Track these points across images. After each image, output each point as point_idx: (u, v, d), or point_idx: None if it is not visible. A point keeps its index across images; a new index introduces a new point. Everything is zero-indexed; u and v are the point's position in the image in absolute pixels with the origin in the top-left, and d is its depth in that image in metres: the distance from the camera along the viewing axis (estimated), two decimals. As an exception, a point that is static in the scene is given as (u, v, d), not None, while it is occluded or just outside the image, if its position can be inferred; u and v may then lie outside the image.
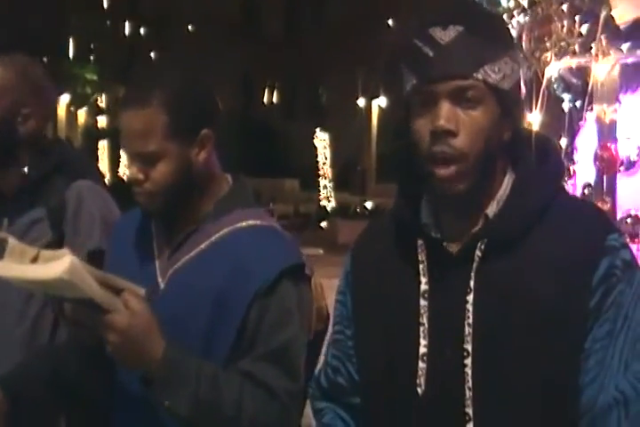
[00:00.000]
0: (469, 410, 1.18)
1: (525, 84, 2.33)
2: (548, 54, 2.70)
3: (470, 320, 1.19)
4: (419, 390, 1.21)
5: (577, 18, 2.61)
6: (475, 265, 1.20)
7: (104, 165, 20.28)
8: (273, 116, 26.61)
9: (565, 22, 2.64)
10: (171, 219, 1.54)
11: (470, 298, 1.19)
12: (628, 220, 2.44)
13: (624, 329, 1.17)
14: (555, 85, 2.73)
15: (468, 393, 1.18)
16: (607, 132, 2.54)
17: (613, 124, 2.55)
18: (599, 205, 2.35)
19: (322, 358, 1.46)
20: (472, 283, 1.19)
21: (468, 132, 1.17)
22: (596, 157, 2.53)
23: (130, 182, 1.48)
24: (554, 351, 1.17)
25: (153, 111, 1.43)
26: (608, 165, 2.48)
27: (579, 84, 2.71)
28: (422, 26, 1.20)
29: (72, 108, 21.79)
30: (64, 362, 1.68)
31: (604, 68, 2.53)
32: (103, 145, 22.02)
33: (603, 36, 2.50)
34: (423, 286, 1.23)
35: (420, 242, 1.24)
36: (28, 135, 1.86)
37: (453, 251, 1.23)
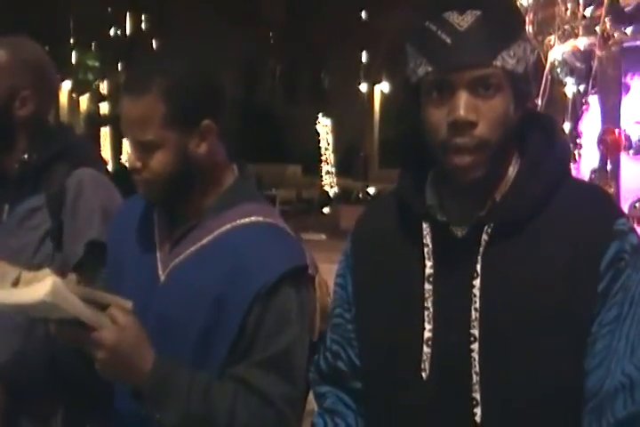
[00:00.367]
0: (477, 395, 1.17)
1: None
2: (552, 38, 2.68)
3: (477, 305, 1.18)
4: (423, 374, 1.20)
5: (581, 1, 2.59)
6: (481, 249, 1.19)
7: (106, 151, 20.26)
8: (275, 101, 26.52)
9: (569, 5, 2.62)
10: (172, 209, 1.52)
11: (477, 282, 1.18)
12: (637, 204, 2.43)
13: (631, 313, 1.16)
14: (558, 69, 2.71)
15: (475, 378, 1.17)
16: (611, 116, 2.53)
17: (617, 107, 2.53)
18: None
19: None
20: (479, 267, 1.18)
21: (488, 121, 1.15)
22: (600, 141, 2.52)
23: (130, 170, 1.47)
24: (562, 335, 1.16)
25: (152, 99, 1.41)
26: (612, 149, 2.47)
27: (582, 67, 2.69)
28: (437, 9, 1.16)
29: (74, 95, 21.73)
30: (63, 351, 1.68)
31: (608, 51, 2.51)
32: (105, 132, 21.98)
33: (607, 19, 2.48)
34: (428, 270, 1.22)
35: (425, 225, 1.23)
36: (27, 119, 1.83)
37: (459, 234, 1.22)
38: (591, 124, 2.62)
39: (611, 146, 2.47)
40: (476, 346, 1.17)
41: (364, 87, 21.33)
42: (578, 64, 2.70)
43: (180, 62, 1.48)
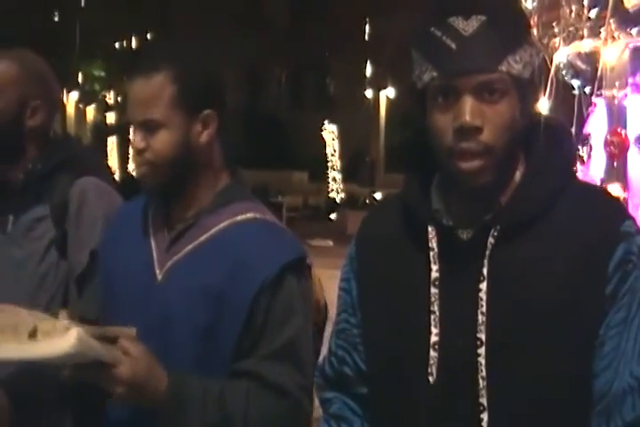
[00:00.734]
0: (483, 400, 1.16)
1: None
2: (557, 40, 2.68)
3: (484, 309, 1.17)
4: (430, 379, 1.19)
5: (585, 2, 2.59)
6: (487, 252, 1.18)
7: (113, 161, 20.33)
8: (280, 107, 26.57)
9: (574, 7, 2.62)
10: (167, 207, 1.54)
11: (483, 286, 1.17)
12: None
13: (638, 315, 1.16)
14: (563, 71, 2.71)
15: (482, 383, 1.16)
16: (617, 118, 2.52)
17: (623, 109, 2.52)
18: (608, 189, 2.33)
19: (324, 348, 1.44)
20: (485, 270, 1.18)
21: (494, 127, 1.14)
22: (606, 143, 2.51)
23: (134, 152, 1.49)
24: (569, 339, 1.16)
25: (162, 80, 1.45)
26: (618, 150, 2.46)
27: (588, 69, 2.68)
28: (442, 14, 1.15)
29: (81, 105, 21.83)
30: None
31: (614, 52, 2.50)
32: (112, 141, 22.06)
33: (612, 21, 2.48)
34: (434, 274, 1.21)
35: (430, 229, 1.22)
36: (36, 128, 1.85)
37: (464, 238, 1.21)
38: (598, 125, 2.61)
39: (617, 147, 2.46)
40: (482, 350, 1.16)
41: (369, 93, 21.36)
42: (583, 66, 2.69)
43: (190, 52, 1.55)
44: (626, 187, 2.45)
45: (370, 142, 23.20)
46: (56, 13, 19.03)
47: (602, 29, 2.51)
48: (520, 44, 1.16)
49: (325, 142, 21.36)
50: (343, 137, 21.35)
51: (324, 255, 1.86)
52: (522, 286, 1.17)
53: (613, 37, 2.49)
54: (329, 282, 1.60)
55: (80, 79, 20.26)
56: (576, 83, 2.72)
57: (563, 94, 2.71)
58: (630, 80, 2.53)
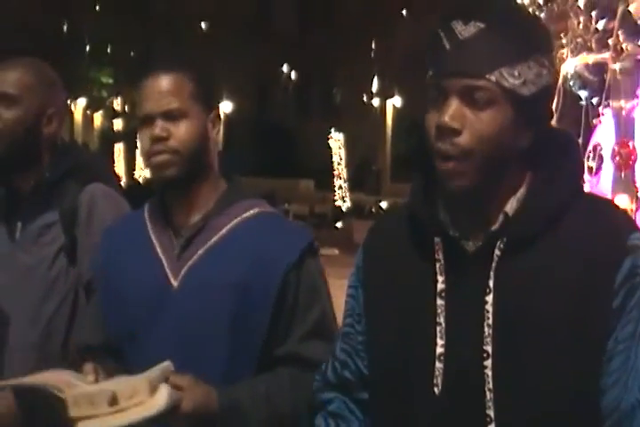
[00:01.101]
0: (490, 412, 1.16)
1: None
2: (565, 51, 2.68)
3: (490, 321, 1.16)
4: (435, 390, 1.19)
5: (593, 14, 2.59)
6: (494, 264, 1.17)
7: (120, 167, 20.38)
8: (287, 116, 26.62)
9: (582, 18, 2.62)
10: (168, 209, 1.57)
11: (490, 298, 1.17)
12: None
13: None
14: (571, 82, 2.71)
15: (489, 395, 1.16)
16: (625, 129, 2.52)
17: (631, 120, 2.52)
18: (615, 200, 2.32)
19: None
20: (491, 283, 1.17)
21: (473, 132, 1.14)
22: (614, 154, 2.51)
23: (153, 142, 1.51)
24: (575, 352, 1.15)
25: (182, 76, 1.54)
26: (626, 162, 2.46)
27: (595, 80, 2.68)
28: (448, 18, 1.17)
29: (88, 112, 21.91)
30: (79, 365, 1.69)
31: (621, 63, 2.50)
32: (119, 148, 22.13)
33: (619, 32, 2.48)
34: (440, 285, 1.20)
35: (437, 240, 1.22)
36: (51, 136, 1.87)
37: (470, 249, 1.21)
38: (606, 136, 2.61)
39: (625, 158, 2.45)
40: (489, 362, 1.16)
41: (376, 102, 21.40)
42: (591, 77, 2.69)
43: (200, 60, 1.71)
44: (634, 198, 2.44)
45: (376, 151, 23.19)
46: (65, 20, 19.13)
47: (609, 41, 2.51)
48: (522, 60, 1.15)
49: (332, 151, 21.37)
50: (350, 146, 21.36)
51: (330, 264, 1.87)
52: (528, 298, 1.16)
53: (621, 49, 2.49)
54: (335, 292, 1.61)
55: (88, 86, 20.34)
56: (583, 93, 2.72)
57: (570, 105, 2.71)
58: (638, 91, 2.53)
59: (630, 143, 2.48)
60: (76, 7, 19.19)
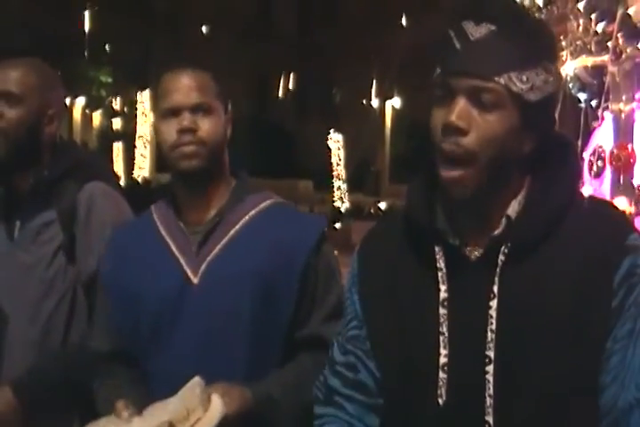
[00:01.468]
0: (490, 418, 1.15)
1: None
2: (564, 53, 2.68)
3: (493, 326, 1.16)
4: (440, 401, 1.18)
5: (593, 16, 2.59)
6: (498, 270, 1.17)
7: (119, 166, 20.36)
8: (287, 117, 26.60)
9: (581, 21, 2.62)
10: (198, 190, 1.60)
11: (494, 304, 1.16)
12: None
13: None
14: (570, 85, 2.71)
15: (489, 401, 1.15)
16: (624, 132, 2.52)
17: (630, 123, 2.52)
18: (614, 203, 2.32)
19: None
20: (495, 288, 1.17)
21: (479, 134, 1.14)
22: (613, 156, 2.51)
23: (182, 133, 1.55)
24: (578, 355, 1.15)
25: (206, 74, 1.60)
26: (625, 164, 2.46)
27: (594, 83, 2.68)
28: (458, 18, 1.17)
29: (87, 111, 21.89)
30: (77, 363, 1.70)
31: (621, 66, 2.50)
32: (118, 147, 22.10)
33: (619, 35, 2.48)
34: (442, 294, 1.20)
35: (437, 249, 1.21)
36: (51, 136, 1.88)
37: (472, 256, 1.20)
38: (607, 139, 2.61)
39: (624, 161, 2.45)
40: (490, 368, 1.16)
41: (375, 103, 21.39)
42: (590, 79, 2.69)
43: (217, 62, 1.69)
44: (632, 201, 2.44)
45: (375, 152, 23.17)
46: (64, 19, 19.12)
47: (609, 43, 2.51)
48: (531, 67, 1.15)
49: (331, 152, 21.35)
50: (349, 146, 21.34)
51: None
52: (531, 302, 1.16)
53: (621, 51, 2.49)
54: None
55: (87, 85, 20.32)
56: (582, 96, 2.72)
57: (569, 107, 2.71)
58: (637, 94, 2.53)
59: (629, 146, 2.48)
60: (76, 6, 19.17)
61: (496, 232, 1.19)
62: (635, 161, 2.46)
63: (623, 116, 2.51)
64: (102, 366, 1.64)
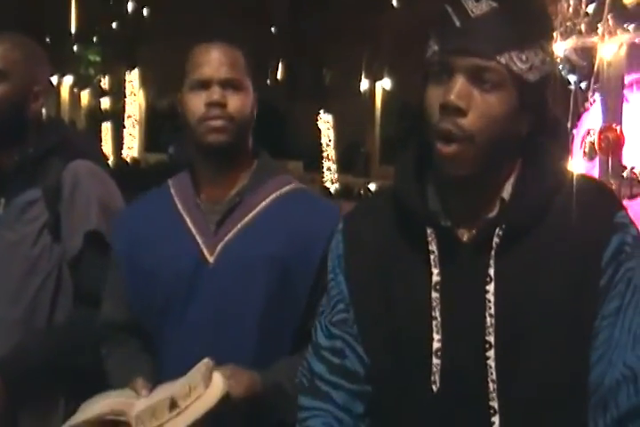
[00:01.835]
0: (494, 403, 1.14)
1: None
2: (554, 34, 2.67)
3: (492, 311, 1.14)
4: (434, 387, 1.16)
5: (583, -3, 2.58)
6: (493, 252, 1.15)
7: (107, 146, 20.23)
8: (276, 97, 26.46)
9: (572, 2, 2.61)
10: (220, 167, 1.58)
11: (491, 287, 1.14)
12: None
13: (632, 304, 1.15)
14: (560, 66, 2.70)
15: (492, 386, 1.14)
16: (613, 114, 2.52)
17: (619, 105, 2.52)
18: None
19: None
20: (491, 271, 1.15)
21: (478, 114, 1.12)
22: (601, 138, 2.51)
23: (210, 106, 1.54)
24: (572, 335, 1.15)
25: (238, 50, 1.60)
26: (614, 146, 2.46)
27: (584, 64, 2.68)
28: None
29: (75, 90, 21.68)
30: (63, 344, 1.70)
31: (611, 48, 2.50)
32: (106, 127, 21.94)
33: (609, 16, 2.47)
34: (435, 278, 1.17)
35: (429, 231, 1.19)
36: (37, 113, 1.86)
37: (465, 238, 1.18)
38: (597, 121, 2.61)
39: (613, 143, 2.46)
40: (492, 353, 1.14)
41: (365, 84, 21.30)
42: (580, 61, 2.69)
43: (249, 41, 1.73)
44: (620, 183, 2.45)
45: (365, 133, 23.15)
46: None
47: (599, 25, 2.50)
48: (531, 46, 1.13)
49: (321, 132, 21.29)
50: (338, 127, 21.29)
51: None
52: (527, 285, 1.15)
53: (611, 33, 2.48)
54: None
55: (74, 64, 20.11)
56: (572, 78, 2.71)
57: (559, 89, 2.70)
58: (627, 76, 2.53)
59: (618, 128, 2.48)
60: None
61: (490, 215, 1.18)
62: (623, 143, 2.47)
63: (612, 98, 2.51)
64: (112, 335, 1.64)
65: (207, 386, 1.30)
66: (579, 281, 1.15)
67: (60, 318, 1.82)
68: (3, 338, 1.79)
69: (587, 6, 2.56)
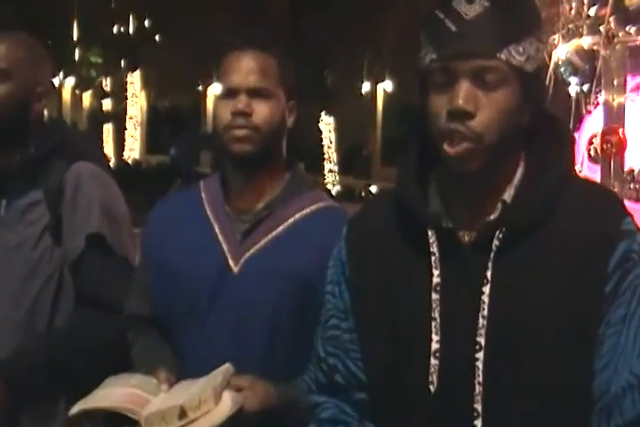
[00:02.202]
0: (478, 406, 1.14)
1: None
2: (556, 37, 2.67)
3: (485, 312, 1.14)
4: (431, 387, 1.16)
5: (585, 0, 2.58)
6: (492, 255, 1.15)
7: (109, 148, 20.24)
8: (278, 99, 26.42)
9: (574, 4, 2.61)
10: (249, 176, 1.56)
11: (486, 289, 1.15)
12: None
13: (638, 312, 1.14)
14: (562, 68, 2.70)
15: (478, 388, 1.14)
16: (615, 116, 2.51)
17: (621, 107, 2.52)
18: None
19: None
20: (489, 273, 1.15)
21: (487, 114, 1.12)
22: (603, 141, 2.50)
23: (236, 115, 1.52)
24: (571, 341, 1.14)
25: (271, 58, 1.57)
26: (616, 149, 2.46)
27: (586, 67, 2.67)
28: None
29: (77, 92, 21.70)
30: (63, 347, 1.69)
31: (613, 50, 2.49)
32: (108, 128, 21.96)
33: (611, 19, 2.47)
34: (435, 279, 1.18)
35: (430, 232, 1.19)
36: (38, 114, 1.85)
37: (466, 240, 1.19)
38: (600, 124, 2.60)
39: (615, 146, 2.45)
40: (480, 355, 1.14)
41: (366, 86, 21.29)
42: (581, 63, 2.68)
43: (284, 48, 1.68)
44: (623, 188, 2.45)
45: (367, 135, 23.13)
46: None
47: (601, 27, 2.50)
48: (525, 37, 1.14)
49: (322, 134, 21.28)
50: (340, 129, 21.28)
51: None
52: (525, 288, 1.15)
53: (613, 35, 2.48)
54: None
55: (76, 65, 20.12)
56: (574, 80, 2.71)
57: (560, 91, 2.70)
58: (629, 79, 2.52)
59: (620, 131, 2.47)
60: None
61: (492, 217, 1.18)
62: (626, 146, 2.46)
63: (614, 100, 2.51)
64: (138, 324, 1.65)
65: (217, 401, 1.30)
66: (581, 286, 1.14)
67: (61, 321, 1.82)
68: (3, 340, 1.78)
69: (588, 8, 2.56)
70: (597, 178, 2.43)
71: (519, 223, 1.16)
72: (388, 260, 1.24)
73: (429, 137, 1.17)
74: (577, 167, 1.45)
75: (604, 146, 2.49)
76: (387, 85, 21.43)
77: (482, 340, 1.14)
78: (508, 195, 1.18)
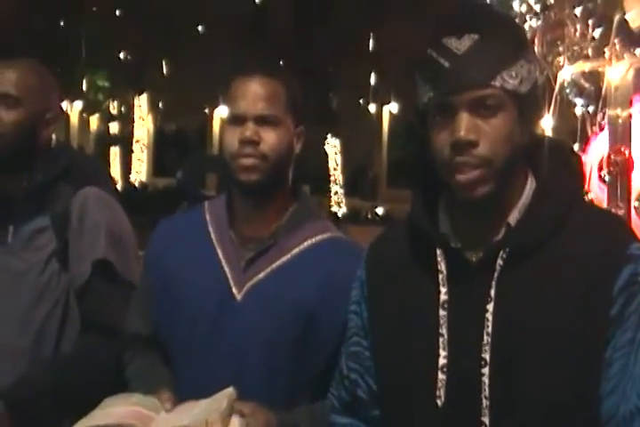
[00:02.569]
0: (486, 419, 1.16)
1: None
2: (561, 59, 2.68)
3: (489, 329, 1.17)
4: (438, 402, 1.19)
5: (590, 22, 2.59)
6: (496, 274, 1.18)
7: (116, 170, 20.35)
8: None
9: (578, 26, 2.62)
10: (255, 204, 1.55)
11: (490, 307, 1.18)
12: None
13: None
14: (567, 90, 2.71)
15: (485, 402, 1.16)
16: (621, 137, 2.51)
17: (627, 128, 2.52)
18: (613, 210, 2.32)
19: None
20: (493, 292, 1.18)
21: (490, 141, 1.16)
22: (609, 162, 2.50)
23: (243, 144, 1.50)
24: (574, 361, 1.15)
25: (280, 85, 1.54)
26: (622, 170, 2.45)
27: (591, 88, 2.68)
28: (437, 36, 1.18)
29: (84, 115, 21.87)
30: (68, 373, 1.68)
31: (618, 72, 2.50)
32: (115, 151, 22.10)
33: (616, 40, 2.48)
34: (443, 297, 1.21)
35: (439, 252, 1.23)
36: (47, 140, 1.86)
37: (473, 260, 1.22)
38: (606, 145, 2.60)
39: (621, 167, 2.45)
40: (486, 370, 1.17)
41: (372, 108, 21.40)
42: (587, 85, 2.69)
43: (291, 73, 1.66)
44: (629, 208, 2.44)
45: (372, 157, 23.19)
46: (60, 21, 19.12)
47: (606, 49, 2.51)
48: (515, 60, 1.17)
49: (328, 156, 21.36)
50: (346, 151, 21.35)
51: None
52: (528, 307, 1.17)
53: (618, 57, 2.49)
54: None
55: (84, 89, 20.31)
56: (580, 102, 2.72)
57: (566, 113, 2.71)
58: (634, 100, 2.52)
59: (626, 151, 2.47)
60: (72, 8, 19.16)
61: (496, 238, 1.21)
62: (632, 166, 2.46)
63: (620, 121, 2.51)
64: (137, 344, 1.63)
65: (224, 425, 1.30)
66: (584, 308, 1.15)
67: (68, 346, 1.81)
68: (9, 366, 1.78)
69: (593, 30, 2.57)
70: (605, 198, 2.42)
71: (521, 245, 1.19)
72: (402, 279, 1.28)
73: (438, 169, 1.20)
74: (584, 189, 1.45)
75: (611, 167, 2.48)
76: (392, 107, 21.51)
77: (487, 356, 1.17)
78: (512, 218, 1.21)
